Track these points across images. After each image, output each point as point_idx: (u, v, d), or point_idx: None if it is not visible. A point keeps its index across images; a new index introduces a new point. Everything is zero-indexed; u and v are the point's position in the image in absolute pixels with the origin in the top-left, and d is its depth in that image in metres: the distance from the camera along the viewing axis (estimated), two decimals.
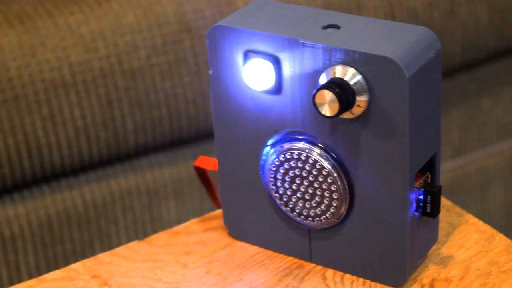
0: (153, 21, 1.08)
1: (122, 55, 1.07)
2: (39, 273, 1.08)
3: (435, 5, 1.21)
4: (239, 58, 0.64)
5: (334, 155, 0.63)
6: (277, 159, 0.65)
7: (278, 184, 0.66)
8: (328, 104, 0.59)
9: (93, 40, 1.06)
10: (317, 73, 0.62)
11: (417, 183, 0.63)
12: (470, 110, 1.36)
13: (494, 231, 0.70)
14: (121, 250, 0.71)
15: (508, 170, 1.43)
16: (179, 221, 1.02)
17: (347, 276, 0.66)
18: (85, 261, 0.70)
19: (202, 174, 0.73)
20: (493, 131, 1.39)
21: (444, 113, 1.32)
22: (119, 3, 1.09)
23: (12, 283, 0.98)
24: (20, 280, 1.10)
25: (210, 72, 0.66)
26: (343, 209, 0.64)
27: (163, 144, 1.14)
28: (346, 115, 0.61)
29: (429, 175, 0.66)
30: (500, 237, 0.69)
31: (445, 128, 1.35)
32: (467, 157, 1.39)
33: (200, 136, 1.12)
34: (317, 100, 0.60)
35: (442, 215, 0.70)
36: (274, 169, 0.66)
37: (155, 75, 1.09)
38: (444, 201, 0.72)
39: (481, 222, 0.71)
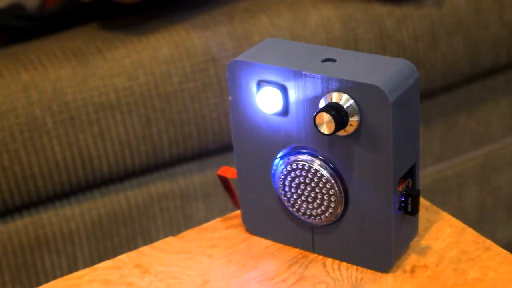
0: (184, 53, 1.08)
1: (158, 82, 1.07)
2: (92, 263, 1.07)
3: (420, 38, 1.20)
4: (253, 86, 0.65)
5: (331, 166, 0.64)
6: (285, 169, 0.66)
7: (286, 189, 0.66)
8: (326, 124, 0.60)
9: (135, 70, 1.06)
10: (317, 98, 0.62)
11: (400, 188, 0.64)
12: (449, 124, 1.36)
13: (465, 226, 0.70)
14: (159, 244, 0.71)
15: (480, 174, 1.42)
16: (206, 220, 1.02)
17: (343, 264, 0.67)
18: (130, 253, 0.70)
19: (224, 181, 0.73)
20: (467, 141, 1.39)
21: (427, 127, 1.32)
22: (156, 38, 1.08)
23: (70, 272, 0.97)
24: (77, 269, 1.08)
25: (230, 98, 0.66)
26: (340, 209, 0.65)
27: (192, 155, 1.13)
28: (341, 133, 0.61)
29: (410, 181, 0.66)
30: (469, 231, 0.69)
31: (428, 139, 1.35)
32: (446, 164, 1.38)
33: (223, 148, 1.12)
34: (317, 120, 0.60)
35: (421, 213, 0.70)
36: (282, 177, 0.66)
37: (186, 98, 1.08)
38: (423, 202, 0.72)
39: (453, 219, 0.71)
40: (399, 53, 1.19)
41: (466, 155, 1.40)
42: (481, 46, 1.28)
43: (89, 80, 1.05)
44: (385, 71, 0.62)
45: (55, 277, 1.08)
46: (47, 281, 1.00)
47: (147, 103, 1.07)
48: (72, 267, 1.11)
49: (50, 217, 1.09)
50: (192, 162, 1.15)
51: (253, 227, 0.71)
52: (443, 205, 1.36)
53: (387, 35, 1.19)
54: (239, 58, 0.65)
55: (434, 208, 0.72)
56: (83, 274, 0.69)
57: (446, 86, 1.30)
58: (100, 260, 0.96)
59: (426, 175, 1.37)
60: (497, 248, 0.67)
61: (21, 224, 1.08)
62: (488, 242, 0.68)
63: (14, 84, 1.03)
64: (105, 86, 1.05)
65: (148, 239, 1.13)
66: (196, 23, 1.12)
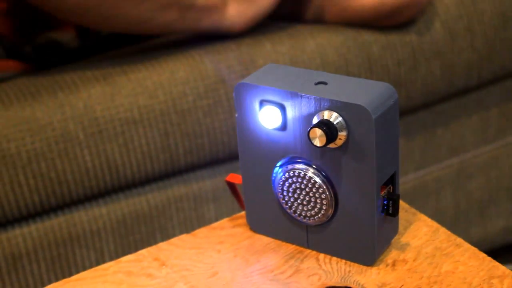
0: (197, 75, 1.08)
1: (175, 100, 1.07)
2: (117, 257, 1.07)
3: (402, 63, 1.20)
4: (256, 105, 0.65)
5: (323, 173, 0.64)
6: (284, 176, 0.66)
7: (284, 193, 0.66)
8: (318, 138, 0.60)
9: (155, 89, 1.06)
10: (311, 116, 0.62)
11: (382, 193, 0.64)
12: (427, 137, 1.36)
13: (439, 226, 0.70)
14: (174, 240, 0.71)
15: (455, 180, 1.42)
16: (216, 219, 1.01)
17: (334, 258, 0.67)
18: (149, 248, 0.70)
19: (231, 186, 0.73)
20: (444, 151, 1.38)
21: (408, 139, 1.32)
22: (173, 62, 1.09)
23: (98, 264, 0.97)
24: (103, 261, 1.07)
25: (236, 115, 0.67)
26: (330, 211, 0.65)
27: (204, 163, 1.13)
28: (331, 146, 0.61)
29: (391, 187, 0.66)
30: (443, 230, 0.69)
31: (409, 149, 1.35)
32: (425, 171, 1.38)
33: (231, 157, 1.12)
34: (311, 135, 0.61)
35: (401, 214, 0.70)
36: (281, 183, 0.66)
37: (199, 114, 1.08)
38: (402, 204, 0.72)
39: (429, 219, 0.71)
40: (384, 75, 1.20)
41: (443, 163, 1.40)
42: (455, 70, 1.28)
43: (116, 98, 1.05)
44: (369, 93, 0.62)
45: (84, 268, 1.07)
46: (77, 272, 1.00)
47: (165, 119, 1.07)
48: (100, 260, 1.11)
49: (81, 216, 1.09)
50: (204, 169, 1.14)
51: (256, 226, 0.71)
52: (423, 207, 1.36)
53: (373, 60, 1.19)
54: (244, 81, 0.65)
55: (413, 210, 0.72)
56: (109, 266, 0.69)
57: (425, 103, 1.30)
58: (124, 254, 0.96)
59: (407, 181, 1.37)
60: (467, 245, 0.67)
61: (56, 222, 1.08)
62: (459, 240, 0.68)
63: (51, 101, 1.03)
64: (129, 103, 1.06)
65: (165, 236, 1.12)
66: (208, 49, 1.12)
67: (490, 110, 1.41)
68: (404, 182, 1.36)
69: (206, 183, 1.15)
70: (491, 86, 1.39)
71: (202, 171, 1.15)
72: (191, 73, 1.08)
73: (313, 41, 1.16)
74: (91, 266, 1.06)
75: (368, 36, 1.19)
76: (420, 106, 1.30)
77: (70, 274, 1.06)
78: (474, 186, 1.44)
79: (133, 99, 1.06)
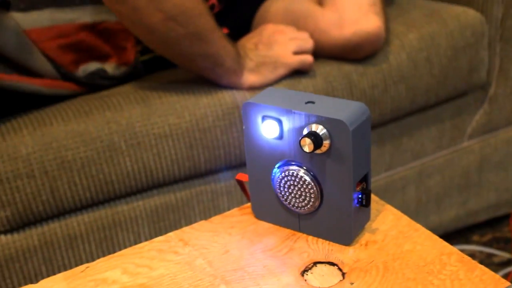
0: (217, 101, 1.07)
1: (198, 120, 1.07)
2: (150, 238, 1.07)
3: (375, 86, 1.20)
4: (259, 120, 0.65)
5: (311, 173, 0.64)
6: (281, 175, 0.66)
7: (281, 189, 0.66)
8: (308, 145, 0.60)
9: (182, 111, 1.06)
10: (302, 128, 0.62)
11: (358, 188, 0.64)
12: (396, 144, 1.35)
13: (402, 214, 0.69)
14: (195, 225, 0.71)
15: (417, 178, 1.41)
16: (228, 209, 1.01)
17: (320, 240, 0.67)
18: (176, 231, 0.70)
19: (240, 183, 0.73)
20: (408, 155, 1.38)
21: (380, 145, 1.31)
22: (198, 90, 1.08)
23: (136, 244, 0.97)
24: (140, 242, 1.09)
25: (244, 127, 0.67)
26: (317, 203, 0.65)
27: (220, 168, 1.12)
28: (318, 151, 0.61)
29: (365, 183, 0.66)
30: (405, 218, 0.69)
31: (381, 154, 1.34)
32: (394, 171, 1.38)
33: (241, 164, 1.12)
34: (302, 143, 0.61)
35: (372, 205, 0.70)
36: (279, 180, 0.66)
37: (217, 132, 1.08)
38: (374, 197, 0.72)
39: (394, 209, 0.70)
40: (362, 97, 1.19)
41: (407, 165, 1.39)
42: (417, 91, 1.27)
43: (151, 117, 1.05)
44: (347, 110, 0.62)
45: (125, 247, 1.06)
46: (120, 249, 1.00)
47: (190, 134, 1.07)
48: (137, 241, 1.11)
49: (122, 207, 1.09)
50: (220, 172, 1.14)
51: (259, 214, 0.71)
52: (392, 200, 1.37)
53: (353, 85, 1.18)
54: (249, 100, 0.65)
55: (382, 202, 0.72)
56: (144, 245, 0.68)
57: (393, 118, 1.30)
58: (156, 236, 0.96)
59: (380, 179, 1.36)
60: (423, 230, 0.67)
61: (103, 212, 1.08)
62: (418, 226, 0.67)
63: (101, 119, 1.03)
64: (162, 121, 1.05)
65: (188, 222, 1.12)
66: None
67: (444, 122, 1.40)
68: (377, 180, 1.35)
69: (221, 182, 1.15)
70: (445, 104, 1.38)
71: (218, 173, 1.14)
72: (211, 99, 1.08)
73: (299, 86, 1.16)
74: (130, 245, 1.07)
75: (349, 67, 1.19)
76: (390, 120, 1.29)
77: (114, 251, 1.06)
78: (432, 183, 1.44)
79: (164, 118, 1.05)
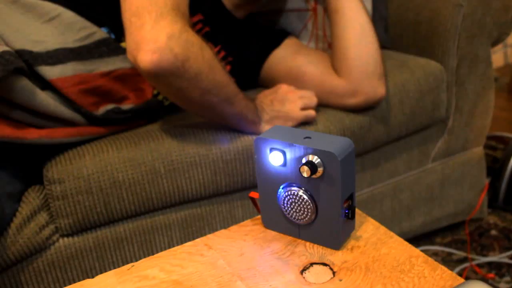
0: (237, 139, 1.06)
1: (223, 153, 1.05)
2: (181, 242, 1.07)
3: (362, 127, 1.19)
4: (267, 150, 0.65)
5: (309, 193, 0.64)
6: (284, 194, 0.65)
7: (285, 205, 0.66)
8: (305, 172, 0.61)
9: (210, 145, 1.04)
10: (301, 158, 0.62)
11: (345, 205, 0.64)
12: (375, 166, 1.34)
13: (379, 225, 0.69)
14: (217, 233, 0.70)
15: (392, 193, 1.39)
16: (243, 219, 1.01)
17: (315, 245, 0.66)
18: (201, 238, 0.70)
19: (252, 199, 0.72)
20: (385, 175, 1.37)
21: (363, 167, 1.30)
22: (224, 130, 1.07)
23: (170, 247, 0.96)
24: (173, 245, 1.08)
25: (255, 157, 0.66)
26: (313, 216, 0.65)
27: (237, 189, 1.11)
28: (314, 176, 0.61)
29: (350, 201, 0.65)
30: (382, 227, 0.68)
31: (364, 174, 1.32)
32: (374, 187, 1.36)
33: (254, 185, 1.10)
34: (301, 169, 0.61)
35: (356, 218, 0.70)
36: (283, 198, 0.66)
37: (237, 163, 1.07)
38: (357, 211, 0.71)
39: (373, 220, 0.70)
40: (352, 135, 1.19)
41: (384, 182, 1.38)
42: (392, 127, 1.27)
43: (185, 148, 1.04)
44: (336, 144, 0.62)
45: (161, 249, 1.08)
46: (157, 252, 0.97)
47: (215, 164, 1.06)
48: (170, 244, 1.10)
49: (159, 217, 1.08)
50: (237, 192, 1.13)
51: (268, 224, 0.71)
52: (372, 210, 1.36)
53: (346, 127, 1.17)
54: (260, 136, 0.65)
55: (364, 215, 0.71)
56: (177, 249, 0.68)
57: (374, 147, 1.29)
58: (186, 241, 0.96)
59: (363, 193, 1.35)
60: (397, 237, 0.66)
61: (144, 221, 1.06)
62: (392, 234, 0.67)
63: (146, 148, 1.02)
64: (194, 152, 1.04)
65: (212, 230, 1.11)
66: None
67: (413, 149, 1.39)
68: (361, 194, 1.34)
69: (237, 198, 1.13)
70: (414, 135, 1.37)
71: (236, 193, 1.13)
72: (234, 137, 1.07)
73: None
74: (165, 249, 1.08)
75: (341, 114, 1.18)
76: (371, 149, 1.28)
77: (152, 252, 1.08)
78: (404, 197, 1.43)
79: (196, 150, 1.04)
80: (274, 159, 0.65)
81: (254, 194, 0.71)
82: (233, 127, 1.06)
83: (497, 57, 3.02)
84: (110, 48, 1.02)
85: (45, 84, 0.95)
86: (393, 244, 0.65)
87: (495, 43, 1.41)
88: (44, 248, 0.99)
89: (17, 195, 0.97)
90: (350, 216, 0.64)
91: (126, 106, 1.04)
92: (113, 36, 1.05)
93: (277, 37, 1.28)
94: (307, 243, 0.67)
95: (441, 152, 1.45)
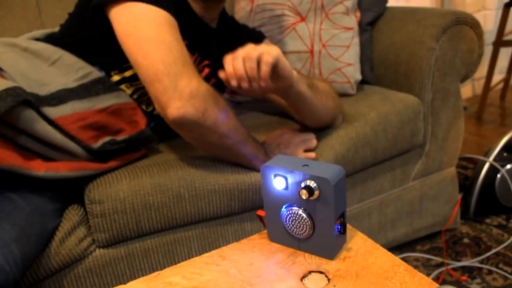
0: (251, 173, 1.05)
1: (239, 182, 1.03)
2: (199, 254, 1.06)
3: (350, 151, 1.18)
4: (272, 176, 0.65)
5: (307, 212, 0.64)
6: (287, 212, 0.66)
7: (287, 222, 0.66)
8: (304, 194, 0.61)
9: (228, 176, 1.03)
10: (300, 182, 0.62)
11: (338, 221, 0.64)
12: (363, 184, 1.32)
13: (367, 237, 0.68)
14: (230, 246, 0.70)
15: (379, 208, 1.38)
16: (252, 234, 1.01)
17: (313, 256, 0.66)
18: (216, 250, 0.70)
19: (260, 217, 0.72)
20: (372, 192, 1.35)
21: (354, 185, 1.29)
22: (240, 165, 1.06)
23: (189, 258, 0.95)
24: (192, 256, 1.07)
25: (262, 181, 0.66)
26: (311, 231, 0.65)
27: (248, 209, 1.10)
28: (311, 198, 0.62)
29: (342, 218, 0.65)
30: (369, 240, 0.68)
31: (354, 191, 1.31)
32: (363, 203, 1.35)
33: (261, 205, 1.09)
34: (300, 192, 0.61)
35: (348, 232, 0.70)
36: (285, 216, 0.66)
37: (250, 192, 1.05)
38: (349, 226, 0.71)
39: (362, 234, 0.69)
40: (342, 158, 1.17)
41: (372, 199, 1.37)
42: (377, 151, 1.26)
43: (207, 177, 1.03)
44: (330, 171, 0.62)
45: (182, 260, 1.07)
46: (179, 262, 0.97)
47: (231, 192, 1.05)
48: (189, 255, 1.08)
49: (181, 232, 1.06)
50: (249, 212, 1.11)
51: (273, 238, 0.71)
52: (362, 223, 1.34)
53: (337, 152, 1.16)
54: (265, 164, 0.66)
55: (354, 229, 0.71)
56: (196, 259, 0.68)
57: (362, 169, 1.28)
58: (203, 252, 0.96)
59: (353, 209, 1.34)
60: (382, 249, 0.66)
61: (168, 235, 1.05)
62: (378, 245, 0.67)
63: (173, 175, 1.01)
64: (213, 181, 1.03)
65: (225, 242, 1.11)
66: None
67: (396, 170, 1.39)
68: (351, 209, 1.33)
69: (248, 216, 1.12)
70: (396, 158, 1.37)
71: (246, 212, 1.12)
72: (248, 171, 1.06)
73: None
74: (185, 258, 1.07)
75: (332, 141, 1.16)
76: (359, 170, 1.28)
77: (175, 262, 1.07)
78: (389, 211, 1.42)
79: (216, 179, 1.03)
80: (278, 183, 0.65)
81: (261, 212, 0.71)
82: (246, 165, 1.06)
83: (466, 89, 3.02)
84: (106, 86, 1.00)
85: (49, 122, 0.93)
86: (379, 254, 0.65)
87: (463, 79, 1.42)
88: (83, 257, 0.99)
89: (58, 212, 0.97)
90: (342, 231, 0.64)
91: (121, 137, 1.00)
92: (104, 73, 1.03)
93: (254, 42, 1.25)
94: (306, 254, 0.67)
95: (419, 172, 1.44)
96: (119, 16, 0.90)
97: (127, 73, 1.05)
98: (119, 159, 1.01)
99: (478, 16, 2.85)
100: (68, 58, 0.99)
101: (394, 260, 0.64)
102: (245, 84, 0.87)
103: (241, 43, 1.01)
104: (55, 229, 0.95)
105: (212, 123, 0.91)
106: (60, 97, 0.94)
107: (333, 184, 0.60)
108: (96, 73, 1.00)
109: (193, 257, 0.69)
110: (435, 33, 1.32)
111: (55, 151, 0.93)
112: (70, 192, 1.02)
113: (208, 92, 0.89)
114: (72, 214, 0.99)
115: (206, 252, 0.72)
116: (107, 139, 0.98)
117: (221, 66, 0.92)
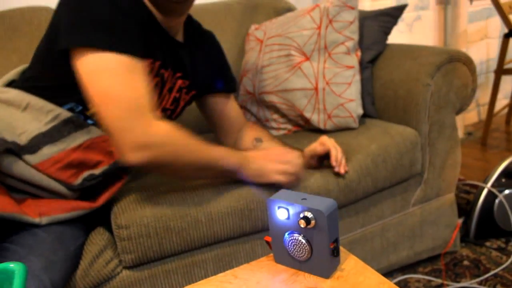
0: (252, 196, 1.08)
1: (248, 204, 1.07)
2: (215, 273, 1.10)
3: (353, 181, 1.20)
4: (276, 208, 0.69)
5: (306, 238, 0.67)
6: (289, 238, 0.69)
7: (289, 246, 0.70)
8: (302, 223, 0.65)
9: (239, 198, 1.07)
10: (299, 213, 0.66)
11: (331, 246, 0.67)
12: (366, 211, 1.34)
13: (358, 260, 0.72)
14: (241, 266, 0.73)
15: (380, 232, 1.39)
16: (261, 256, 1.03)
17: (311, 275, 0.70)
18: (229, 270, 0.73)
19: (267, 241, 0.74)
20: (374, 218, 1.36)
21: (357, 211, 1.33)
22: (247, 192, 1.09)
23: (205, 277, 0.95)
24: (208, 276, 1.09)
25: (268, 212, 0.70)
26: (309, 255, 0.68)
27: (257, 231, 1.12)
28: (309, 226, 0.66)
29: (335, 243, 0.68)
30: (360, 262, 0.71)
31: (357, 217, 1.33)
32: (365, 228, 1.36)
33: (267, 229, 1.07)
34: (299, 222, 0.65)
35: (341, 255, 0.73)
36: (288, 242, 0.69)
37: (258, 212, 1.07)
38: (342, 249, 0.74)
39: (353, 256, 0.73)
40: (345, 188, 1.19)
41: (374, 224, 1.38)
42: (378, 180, 1.28)
43: (221, 202, 1.05)
44: (324, 204, 0.66)
45: (199, 278, 1.11)
46: (197, 280, 1.01)
47: (242, 213, 1.07)
48: (206, 274, 1.10)
49: (198, 254, 1.09)
50: (257, 233, 1.13)
51: (278, 260, 0.73)
52: (364, 246, 1.36)
53: (340, 183, 1.19)
54: (270, 198, 0.69)
55: (347, 252, 0.73)
56: (211, 278, 0.70)
57: (364, 197, 1.30)
58: (218, 270, 1.01)
59: (356, 233, 1.35)
60: (371, 269, 0.69)
61: (187, 257, 1.08)
62: (368, 267, 0.69)
63: (191, 201, 1.03)
64: (226, 205, 1.05)
65: (237, 263, 1.13)
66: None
67: (396, 197, 1.40)
68: (354, 234, 1.34)
69: (258, 239, 1.15)
70: (396, 186, 1.39)
71: (256, 233, 1.14)
72: (254, 195, 1.09)
73: (308, 183, 1.16)
74: (202, 278, 1.10)
75: (330, 177, 1.20)
76: (361, 198, 1.29)
77: (193, 281, 1.10)
78: (390, 235, 1.43)
79: (228, 203, 1.07)
80: (281, 214, 0.69)
81: (268, 238, 0.74)
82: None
83: (472, 115, 3.05)
84: (76, 125, 0.98)
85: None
86: (367, 274, 0.69)
87: (458, 112, 1.47)
88: (111, 277, 1.04)
89: (78, 233, 1.02)
90: (335, 254, 0.68)
91: (98, 170, 1.00)
92: (80, 108, 1.00)
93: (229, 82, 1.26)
94: (306, 274, 0.70)
95: (419, 198, 1.47)
96: (80, 65, 0.89)
97: None
98: (106, 193, 1.02)
99: (481, 45, 2.89)
100: (36, 102, 0.97)
101: (380, 279, 0.67)
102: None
103: (208, 53, 1.15)
104: (78, 250, 0.98)
105: (172, 161, 0.91)
106: (37, 144, 0.93)
107: (326, 215, 0.64)
108: (65, 113, 0.98)
109: (209, 277, 0.74)
110: (430, 71, 1.38)
111: (43, 191, 0.94)
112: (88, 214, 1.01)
113: (167, 134, 0.89)
114: (99, 239, 1.04)
115: (221, 272, 0.74)
116: (86, 174, 0.97)
117: (195, 77, 1.01)
